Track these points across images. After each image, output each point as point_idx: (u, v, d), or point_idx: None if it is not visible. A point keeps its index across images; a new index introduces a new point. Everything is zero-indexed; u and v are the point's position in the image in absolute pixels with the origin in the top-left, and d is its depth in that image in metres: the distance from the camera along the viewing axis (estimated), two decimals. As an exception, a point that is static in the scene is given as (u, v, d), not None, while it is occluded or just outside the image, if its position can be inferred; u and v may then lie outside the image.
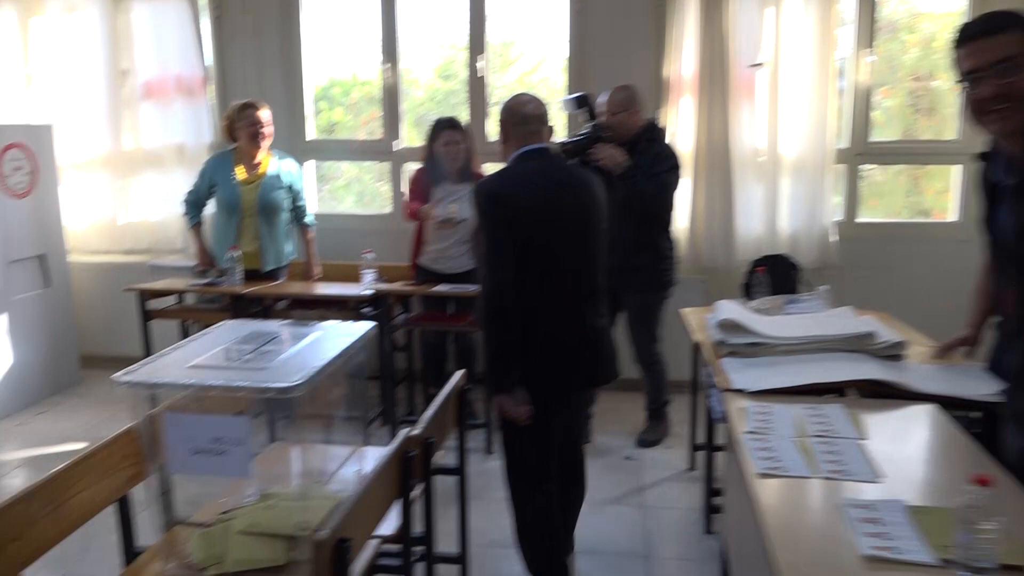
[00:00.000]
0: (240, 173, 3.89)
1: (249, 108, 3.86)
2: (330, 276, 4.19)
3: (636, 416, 3.92)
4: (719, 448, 2.88)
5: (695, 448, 3.45)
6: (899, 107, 4.43)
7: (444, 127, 3.83)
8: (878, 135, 4.33)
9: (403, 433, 1.84)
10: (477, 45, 4.45)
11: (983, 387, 2.09)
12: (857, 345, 2.45)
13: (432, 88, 4.96)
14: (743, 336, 2.55)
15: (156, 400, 1.73)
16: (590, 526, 2.85)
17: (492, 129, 4.54)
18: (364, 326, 2.10)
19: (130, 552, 1.87)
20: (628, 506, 3.17)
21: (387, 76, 4.57)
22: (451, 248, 3.90)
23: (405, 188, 4.19)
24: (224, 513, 1.91)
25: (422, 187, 3.94)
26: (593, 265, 2.37)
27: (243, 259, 3.90)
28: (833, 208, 4.29)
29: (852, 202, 4.38)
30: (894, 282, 4.26)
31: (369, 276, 3.52)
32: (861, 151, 4.32)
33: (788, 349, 2.48)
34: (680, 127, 4.25)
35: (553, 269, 2.24)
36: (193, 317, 4.21)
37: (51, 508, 1.57)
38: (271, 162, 4.00)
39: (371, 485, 1.61)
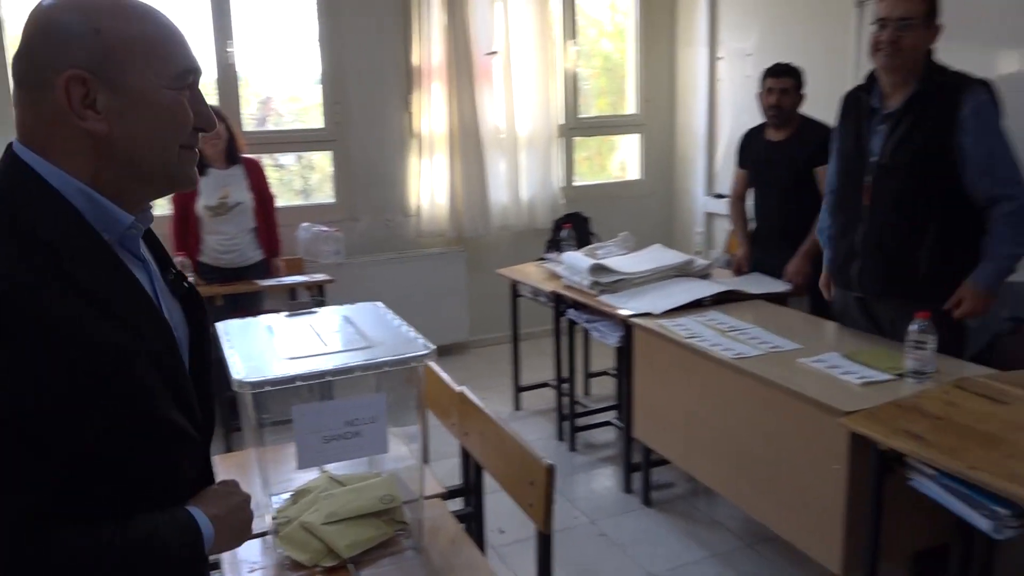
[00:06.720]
0: None
1: None
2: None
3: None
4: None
5: (517, 389, 3.94)
6: (596, 88, 5.40)
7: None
8: (583, 112, 5.24)
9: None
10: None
11: (774, 284, 3.06)
12: (684, 270, 3.21)
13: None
14: (609, 275, 3.13)
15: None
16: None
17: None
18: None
19: None
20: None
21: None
22: (232, 239, 3.72)
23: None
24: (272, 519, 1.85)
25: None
26: None
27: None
28: (558, 175, 5.10)
29: (569, 169, 5.24)
30: (610, 228, 5.22)
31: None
32: (574, 125, 5.18)
33: (643, 280, 3.13)
34: (432, 110, 4.62)
35: None
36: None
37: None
38: None
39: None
